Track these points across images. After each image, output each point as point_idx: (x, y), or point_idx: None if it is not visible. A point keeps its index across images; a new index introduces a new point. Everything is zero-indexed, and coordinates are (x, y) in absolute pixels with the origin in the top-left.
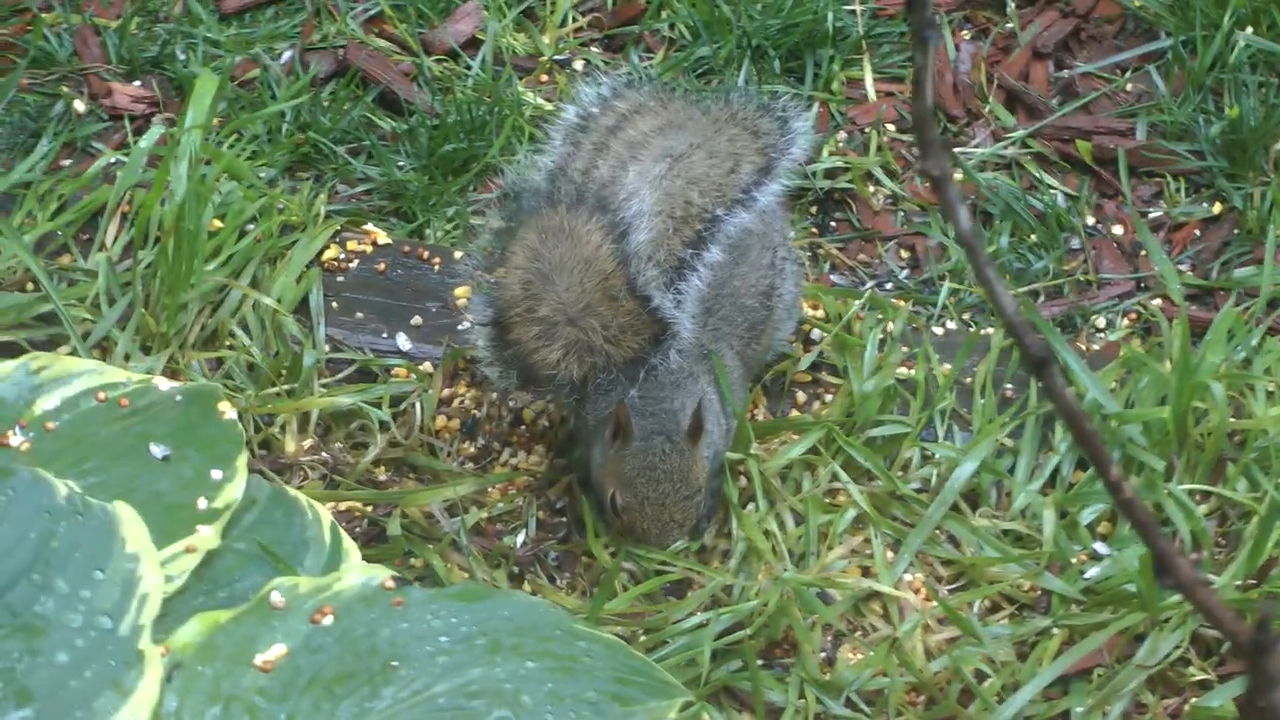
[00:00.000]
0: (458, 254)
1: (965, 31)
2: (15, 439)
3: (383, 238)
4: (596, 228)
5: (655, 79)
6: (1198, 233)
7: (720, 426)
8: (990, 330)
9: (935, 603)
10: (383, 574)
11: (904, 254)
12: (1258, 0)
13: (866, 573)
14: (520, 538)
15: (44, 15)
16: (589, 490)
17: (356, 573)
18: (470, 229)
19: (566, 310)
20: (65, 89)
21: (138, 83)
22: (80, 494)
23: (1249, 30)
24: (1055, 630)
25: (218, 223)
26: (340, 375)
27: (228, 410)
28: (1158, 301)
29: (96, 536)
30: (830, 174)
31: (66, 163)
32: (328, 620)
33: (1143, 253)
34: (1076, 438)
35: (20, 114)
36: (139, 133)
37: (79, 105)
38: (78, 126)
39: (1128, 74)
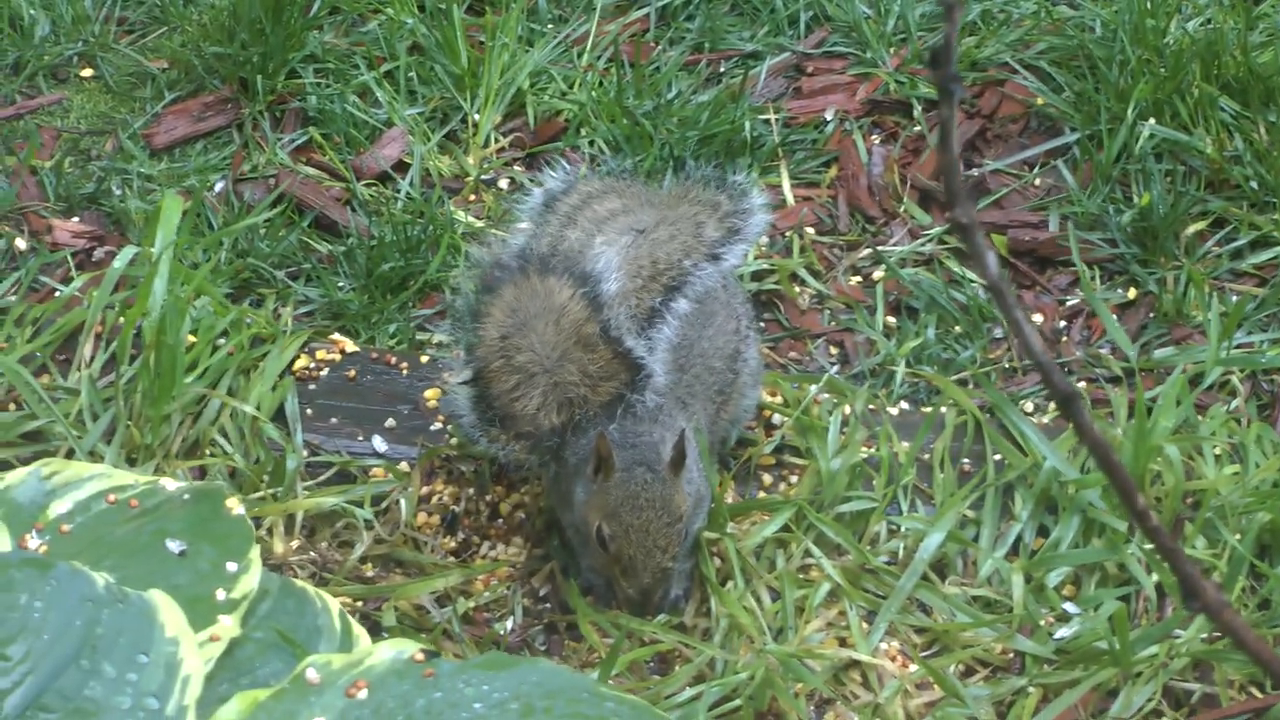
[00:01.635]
0: (424, 358)
1: (875, 136)
2: (33, 542)
3: (350, 346)
4: (565, 283)
5: (615, 164)
6: (1115, 317)
7: (699, 470)
8: (944, 409)
9: (912, 669)
10: (412, 647)
11: (833, 350)
12: (1160, 92)
13: (844, 643)
14: (509, 624)
15: None
16: (569, 552)
17: (386, 647)
18: (416, 344)
19: (543, 359)
20: (6, 228)
21: (76, 219)
22: (117, 584)
23: (1152, 121)
24: (1031, 689)
25: (192, 337)
26: (321, 478)
27: (235, 506)
28: (1083, 384)
29: (138, 623)
30: (757, 276)
31: (13, 298)
32: (363, 694)
33: (1064, 338)
34: (1103, 468)
35: None
36: (81, 267)
37: (20, 243)
38: (21, 262)
39: (1036, 169)
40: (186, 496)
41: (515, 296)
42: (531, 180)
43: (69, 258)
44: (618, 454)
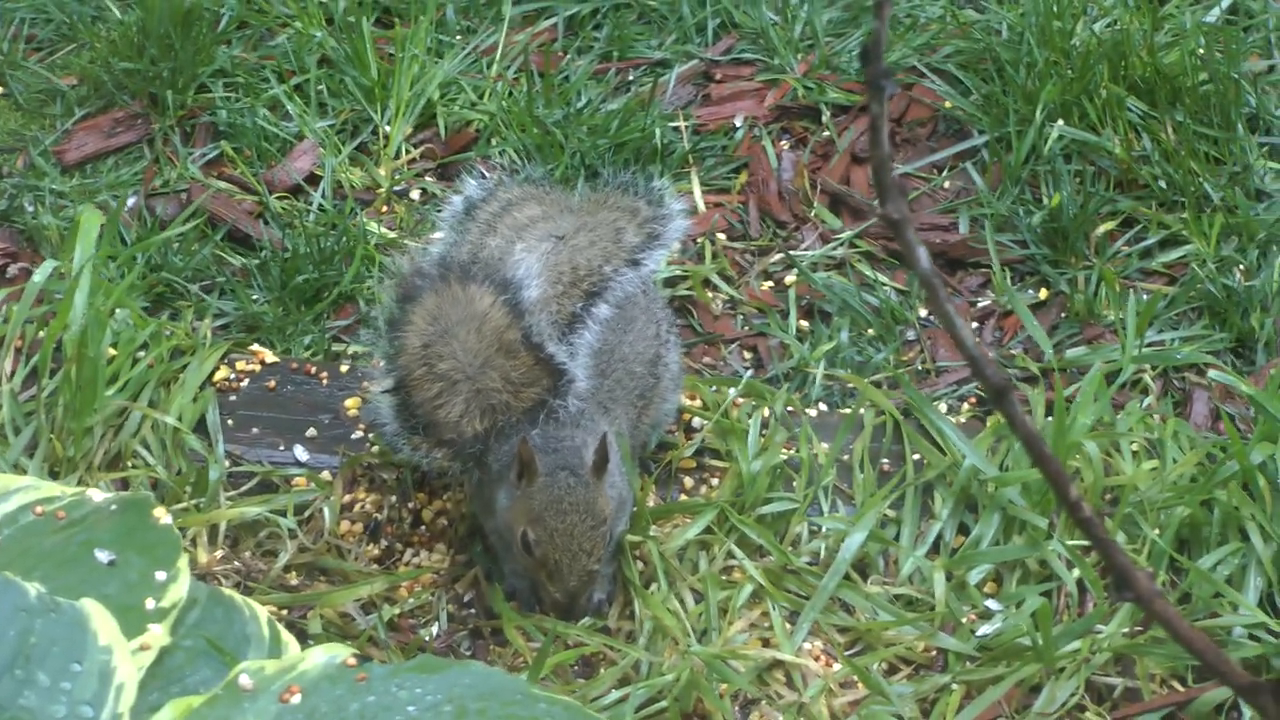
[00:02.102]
0: (344, 368)
1: (784, 141)
2: None
3: (270, 356)
4: (486, 290)
5: (533, 171)
6: (1022, 320)
7: (621, 474)
8: (862, 410)
9: (836, 668)
10: (344, 652)
11: (747, 355)
12: (1068, 94)
13: (767, 643)
14: (435, 629)
15: None
16: (493, 557)
17: (319, 652)
18: (332, 355)
19: (465, 366)
20: None
21: None
22: (48, 594)
23: (1060, 122)
24: (954, 686)
25: (112, 350)
26: (244, 488)
27: (162, 516)
28: (983, 390)
29: (70, 632)
30: (670, 282)
31: None
32: (296, 699)
33: (977, 340)
34: (1035, 460)
35: None
36: None
37: None
38: None
39: (945, 172)
40: (114, 507)
41: (436, 304)
42: (449, 189)
43: None
44: (540, 459)
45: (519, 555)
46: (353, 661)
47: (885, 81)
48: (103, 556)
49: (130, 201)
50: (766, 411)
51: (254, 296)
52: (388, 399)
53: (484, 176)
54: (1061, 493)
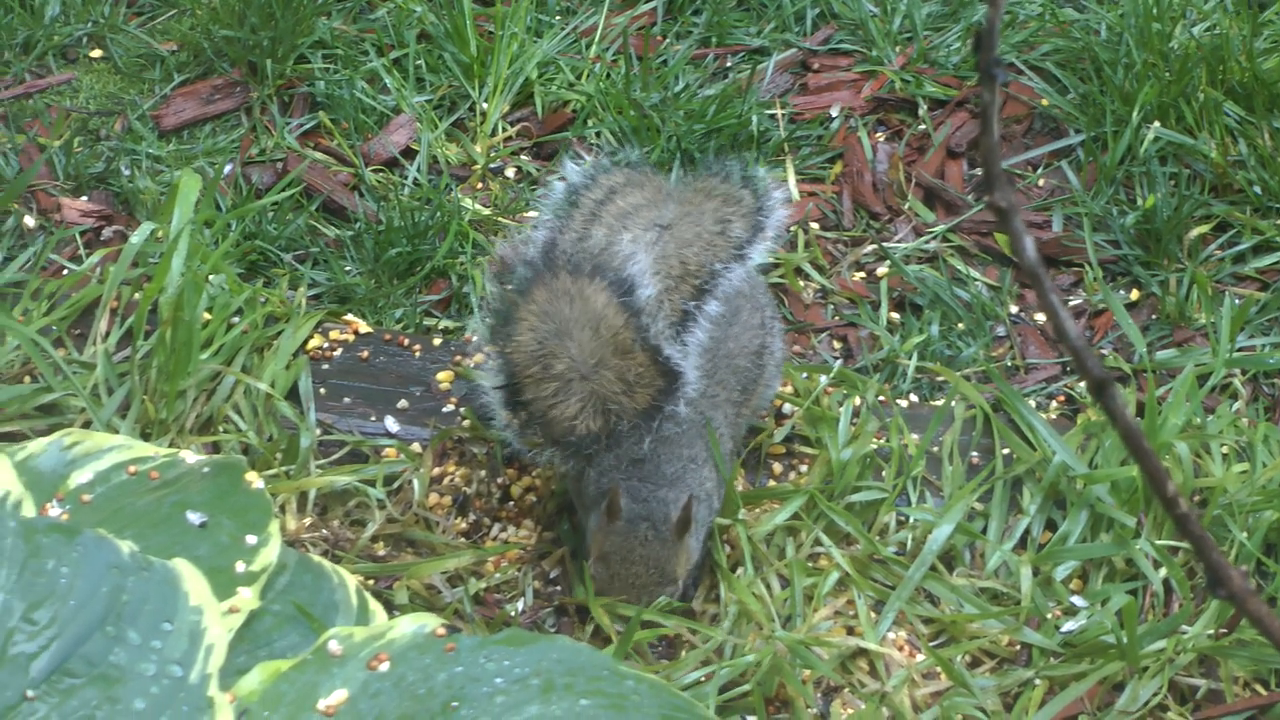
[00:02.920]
0: (436, 341)
1: (880, 133)
2: (54, 511)
3: (364, 326)
4: (601, 287)
5: (635, 158)
6: (1116, 319)
7: (711, 511)
8: (954, 403)
9: (919, 658)
10: (433, 622)
11: (836, 344)
12: (1165, 96)
13: (852, 632)
14: (520, 604)
15: None
16: (581, 540)
17: (408, 621)
18: (423, 329)
19: (580, 366)
20: (15, 205)
21: (85, 198)
22: (141, 553)
23: (1157, 124)
24: (1037, 681)
25: (207, 315)
26: (333, 457)
27: (255, 480)
28: (1085, 383)
29: (162, 590)
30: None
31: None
32: (384, 666)
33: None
34: (1133, 454)
35: None
36: (89, 245)
37: (29, 220)
38: (30, 240)
39: (1039, 170)
40: (206, 469)
41: (548, 299)
42: (545, 168)
43: (77, 236)
44: (627, 505)
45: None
46: (441, 632)
47: (997, 70)
48: (194, 518)
49: (226, 169)
50: (858, 400)
51: (347, 268)
52: (498, 395)
53: (580, 158)
54: (1159, 488)
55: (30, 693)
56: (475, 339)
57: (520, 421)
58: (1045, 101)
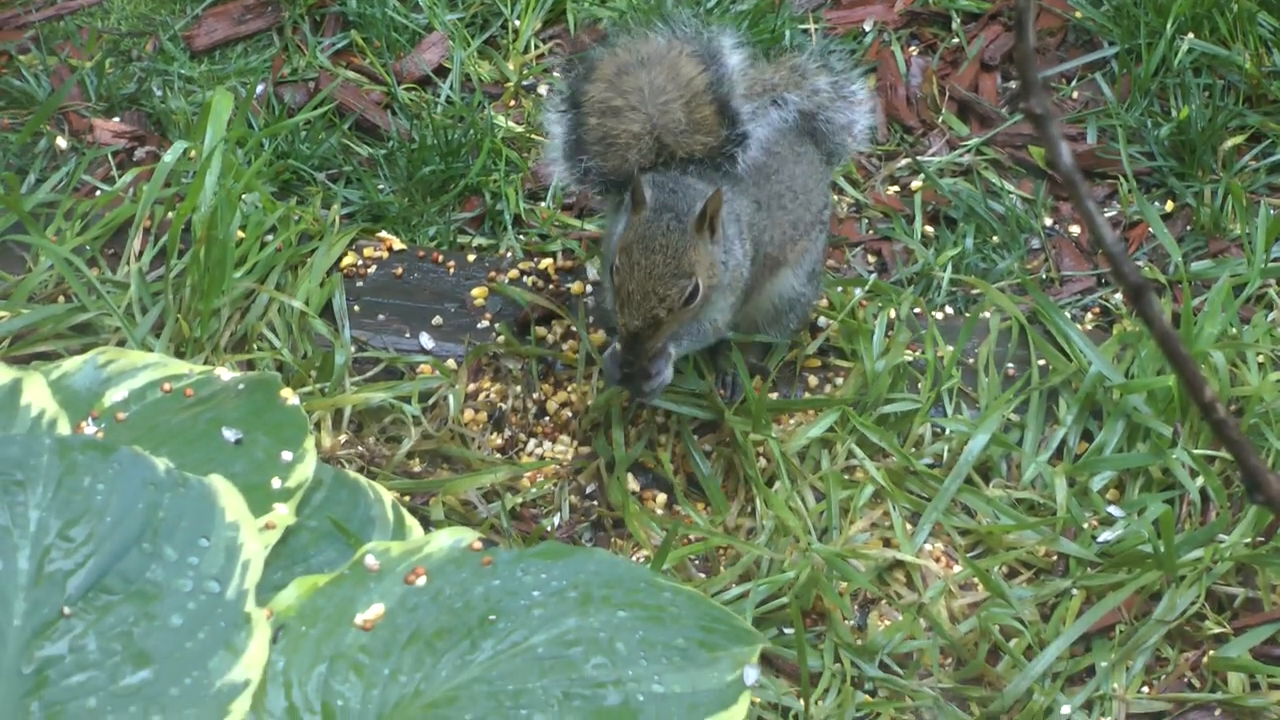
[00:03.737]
0: (470, 257)
1: (913, 47)
2: (89, 429)
3: (398, 244)
4: (690, 56)
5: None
6: (1152, 230)
7: (743, 249)
8: (987, 314)
9: (956, 570)
10: (470, 536)
11: (871, 258)
12: (1199, 7)
13: (888, 544)
14: (556, 519)
15: (20, 57)
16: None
17: (444, 535)
18: (456, 246)
19: (651, 99)
20: (48, 127)
21: (117, 119)
22: (176, 469)
23: (1191, 35)
24: (1075, 591)
25: (241, 233)
26: (368, 374)
27: (290, 397)
28: (1120, 295)
29: (198, 507)
30: None
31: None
32: (421, 581)
33: (1101, 250)
34: (1171, 360)
35: (4, 152)
36: (121, 166)
37: (61, 142)
38: (62, 161)
39: (1074, 82)
40: (241, 386)
41: (638, 44)
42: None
43: (110, 157)
44: (653, 194)
45: (607, 286)
46: (478, 545)
47: None
48: (230, 435)
49: (259, 89)
50: (892, 313)
51: (380, 186)
52: (562, 120)
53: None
54: (1196, 393)
55: (67, 609)
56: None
57: (574, 152)
58: (1079, 14)
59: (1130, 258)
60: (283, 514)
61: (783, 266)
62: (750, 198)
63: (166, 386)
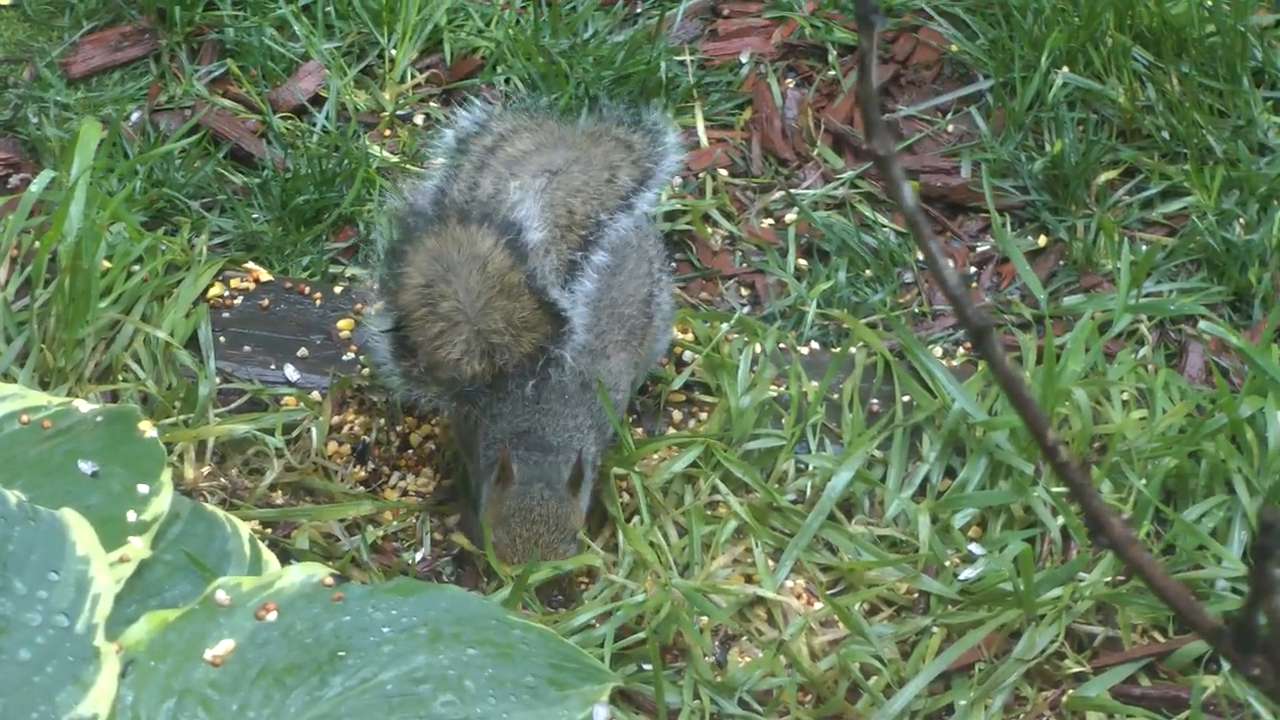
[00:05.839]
0: (338, 289)
1: (790, 79)
2: None
3: (265, 275)
4: (488, 232)
5: (529, 101)
6: (1027, 263)
7: (594, 473)
8: (853, 350)
9: (817, 606)
10: (321, 571)
11: (744, 291)
12: (1074, 41)
13: (749, 580)
14: (419, 554)
15: None
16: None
17: (296, 570)
18: (330, 276)
19: (467, 307)
20: None
21: None
22: (29, 502)
23: (1065, 69)
24: (935, 629)
25: (107, 263)
26: (233, 405)
27: (148, 429)
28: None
29: (49, 540)
30: (670, 216)
31: None
32: (272, 616)
33: (974, 284)
34: (1013, 402)
35: None
36: None
37: None
38: None
39: (949, 115)
40: (100, 419)
41: (436, 245)
42: (444, 120)
43: None
44: (518, 469)
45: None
46: (330, 581)
47: (875, 17)
48: (86, 468)
49: (134, 116)
50: (758, 348)
51: (254, 215)
52: (386, 338)
53: (489, 103)
54: (1039, 435)
55: None
56: (371, 286)
57: (408, 366)
58: (955, 47)
59: (1001, 294)
60: (138, 547)
61: (643, 347)
62: (581, 369)
63: (25, 418)
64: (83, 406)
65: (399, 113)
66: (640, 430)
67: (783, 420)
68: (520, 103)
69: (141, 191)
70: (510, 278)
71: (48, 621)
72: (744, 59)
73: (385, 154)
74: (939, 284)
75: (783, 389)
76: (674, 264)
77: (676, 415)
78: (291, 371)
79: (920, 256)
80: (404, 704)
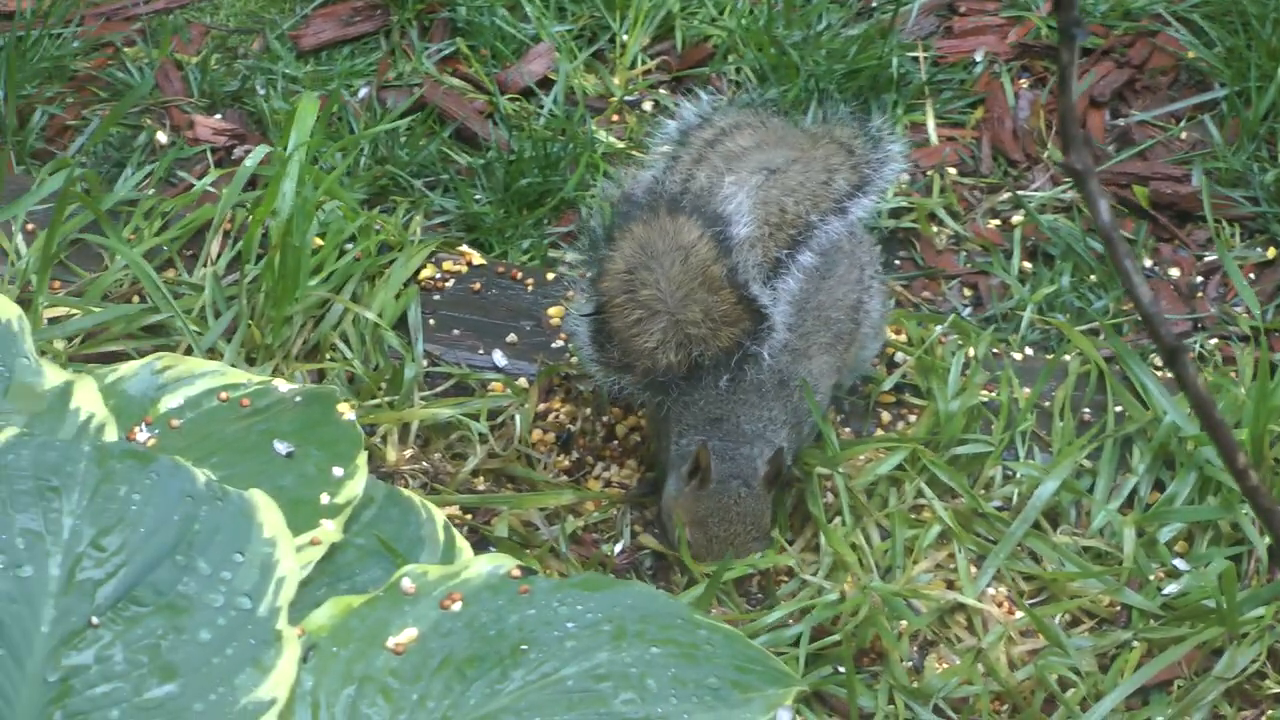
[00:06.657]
0: (550, 275)
1: (1024, 80)
2: (141, 435)
3: (477, 258)
4: (697, 223)
5: (756, 98)
6: (1253, 275)
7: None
8: (1068, 357)
9: (1017, 615)
10: (509, 563)
11: (967, 292)
12: None
13: (950, 586)
14: (618, 546)
15: (126, 50)
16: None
17: (483, 561)
18: (548, 261)
19: (667, 297)
20: (148, 121)
21: (218, 116)
22: (217, 481)
23: None
24: (1135, 643)
25: (319, 240)
26: (438, 389)
27: (346, 411)
28: (1215, 341)
29: (235, 521)
30: (895, 213)
31: (150, 191)
32: (457, 606)
33: (1199, 294)
34: (1205, 425)
35: (104, 144)
36: (220, 164)
37: (161, 136)
38: (161, 156)
39: (1182, 123)
40: (298, 399)
41: (644, 233)
42: (672, 108)
43: (209, 154)
44: (716, 466)
45: (669, 543)
46: (517, 573)
47: (1076, 30)
48: (281, 448)
49: (362, 92)
50: (970, 351)
51: (476, 196)
52: (586, 323)
53: (701, 100)
54: (1229, 458)
55: (95, 619)
56: (583, 274)
57: (606, 352)
58: (1191, 54)
59: (1228, 304)
60: (329, 530)
61: (849, 354)
62: (780, 366)
63: (223, 395)
64: (281, 386)
65: (627, 98)
66: (847, 430)
67: (992, 426)
68: (745, 98)
69: (366, 168)
70: (713, 270)
71: (230, 603)
72: (978, 57)
73: (611, 140)
74: (1133, 301)
75: (993, 394)
76: (897, 262)
77: (885, 416)
78: (499, 357)
79: (1148, 263)
80: (584, 700)
